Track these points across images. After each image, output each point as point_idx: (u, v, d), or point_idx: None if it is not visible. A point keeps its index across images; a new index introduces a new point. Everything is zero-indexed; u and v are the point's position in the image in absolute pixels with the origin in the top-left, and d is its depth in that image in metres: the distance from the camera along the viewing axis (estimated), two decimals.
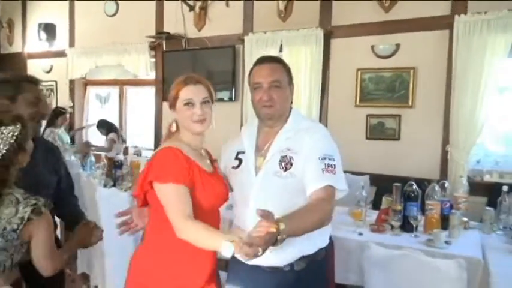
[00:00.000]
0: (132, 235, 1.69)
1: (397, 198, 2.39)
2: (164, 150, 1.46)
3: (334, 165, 1.48)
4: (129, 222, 1.64)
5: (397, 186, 2.41)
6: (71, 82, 5.75)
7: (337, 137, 1.61)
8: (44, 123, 5.06)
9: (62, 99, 5.79)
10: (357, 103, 3.84)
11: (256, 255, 1.18)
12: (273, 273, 1.51)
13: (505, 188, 2.48)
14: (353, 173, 3.21)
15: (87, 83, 5.92)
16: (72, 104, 5.73)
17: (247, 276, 1.54)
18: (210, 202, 1.47)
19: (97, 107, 5.98)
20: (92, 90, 5.99)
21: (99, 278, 3.25)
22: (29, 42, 6.14)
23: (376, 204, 2.86)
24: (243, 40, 4.28)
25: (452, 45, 3.38)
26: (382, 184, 2.84)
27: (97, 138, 5.31)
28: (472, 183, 2.90)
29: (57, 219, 1.84)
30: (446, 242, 2.12)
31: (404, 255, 1.85)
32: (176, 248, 1.41)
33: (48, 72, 5.96)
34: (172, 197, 1.39)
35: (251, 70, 1.65)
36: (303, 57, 3.95)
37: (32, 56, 6.11)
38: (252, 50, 4.17)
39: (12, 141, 1.28)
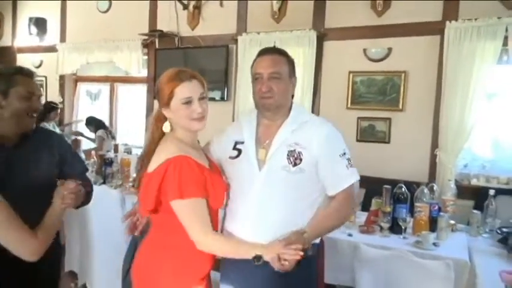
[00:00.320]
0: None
1: (387, 200, 2.42)
2: (175, 161, 1.35)
3: (350, 157, 1.54)
4: (136, 223, 1.58)
5: (387, 189, 2.44)
6: (61, 78, 5.68)
7: None
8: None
9: (52, 95, 5.70)
10: (349, 105, 3.88)
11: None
12: (264, 268, 1.48)
13: (491, 192, 2.52)
14: None
15: (77, 79, 5.85)
16: (62, 100, 5.66)
17: (240, 271, 1.53)
18: (219, 203, 1.47)
19: (87, 104, 5.92)
20: (82, 87, 5.92)
21: (88, 276, 3.22)
22: (19, 36, 6.05)
23: (365, 206, 2.89)
24: (236, 40, 4.29)
25: (442, 51, 3.43)
26: (371, 186, 2.87)
27: (86, 135, 5.28)
28: (460, 187, 2.95)
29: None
30: (434, 244, 2.16)
31: (394, 255, 1.88)
32: (181, 244, 1.39)
33: (38, 67, 5.87)
34: (191, 212, 1.36)
35: (254, 61, 1.63)
36: (295, 59, 3.94)
37: (21, 50, 6.02)
38: (245, 50, 4.18)
39: None
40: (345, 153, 1.53)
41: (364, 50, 3.79)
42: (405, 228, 2.33)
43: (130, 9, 4.96)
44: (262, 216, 1.50)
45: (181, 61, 4.54)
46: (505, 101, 3.45)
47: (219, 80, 4.37)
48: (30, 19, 5.65)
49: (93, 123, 5.10)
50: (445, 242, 2.23)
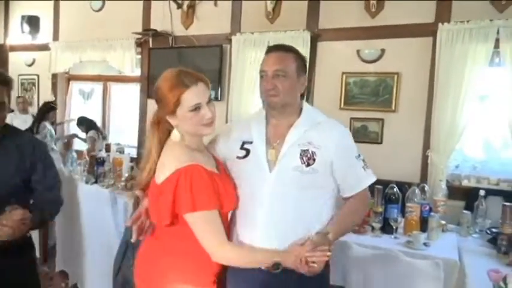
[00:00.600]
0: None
1: (378, 200, 2.43)
2: (186, 172, 1.30)
3: (364, 158, 1.55)
4: (142, 227, 1.49)
5: (379, 189, 2.44)
6: (54, 76, 5.63)
7: None
8: (30, 116, 5.08)
9: (44, 94, 5.68)
10: (341, 106, 3.89)
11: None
12: (274, 275, 1.38)
13: (481, 193, 2.54)
14: None
15: (70, 77, 5.82)
16: (54, 99, 5.62)
17: (245, 277, 1.45)
18: (230, 206, 1.45)
19: (80, 103, 5.89)
20: (75, 86, 5.88)
21: (79, 276, 3.20)
22: (12, 34, 6.00)
23: None
24: (230, 40, 4.28)
25: (435, 52, 3.45)
26: None
27: (79, 136, 5.23)
28: (451, 187, 2.97)
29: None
30: (425, 244, 2.17)
31: (385, 255, 1.89)
32: (192, 249, 1.36)
33: (31, 65, 5.84)
34: (205, 224, 1.32)
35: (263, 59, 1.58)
36: None
37: (14, 48, 5.98)
38: (239, 50, 4.18)
39: None
40: (359, 155, 1.53)
41: (358, 51, 3.81)
42: (396, 228, 2.34)
43: (124, 8, 4.94)
44: (274, 219, 1.43)
45: (175, 60, 4.53)
46: (496, 103, 3.48)
47: (213, 80, 4.35)
48: (23, 17, 5.62)
49: (85, 123, 5.06)
50: (436, 242, 2.24)
